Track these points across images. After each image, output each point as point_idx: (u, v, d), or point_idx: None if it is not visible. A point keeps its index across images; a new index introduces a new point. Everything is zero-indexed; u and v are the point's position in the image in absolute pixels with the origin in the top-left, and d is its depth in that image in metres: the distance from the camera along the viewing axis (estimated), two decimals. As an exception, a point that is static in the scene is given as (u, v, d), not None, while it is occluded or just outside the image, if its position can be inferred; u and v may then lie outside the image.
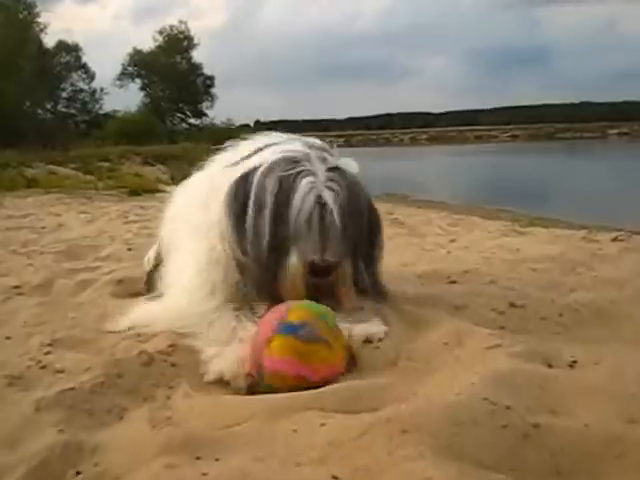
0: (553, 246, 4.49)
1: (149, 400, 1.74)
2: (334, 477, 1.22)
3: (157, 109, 40.66)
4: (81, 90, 38.37)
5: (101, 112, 38.54)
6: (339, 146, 2.51)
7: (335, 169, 2.22)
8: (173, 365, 1.90)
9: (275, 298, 2.09)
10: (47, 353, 2.07)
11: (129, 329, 2.27)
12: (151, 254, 3.04)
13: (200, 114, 43.69)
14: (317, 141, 2.44)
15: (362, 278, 2.31)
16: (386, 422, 1.31)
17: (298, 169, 2.16)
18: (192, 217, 2.45)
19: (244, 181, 2.24)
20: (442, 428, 1.28)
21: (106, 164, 20.05)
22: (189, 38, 43.95)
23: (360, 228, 2.27)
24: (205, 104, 44.04)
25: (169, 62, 42.64)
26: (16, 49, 28.12)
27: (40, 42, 33.00)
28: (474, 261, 3.76)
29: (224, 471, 1.27)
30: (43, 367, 1.93)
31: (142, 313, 2.38)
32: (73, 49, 38.14)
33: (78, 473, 1.36)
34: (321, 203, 2.12)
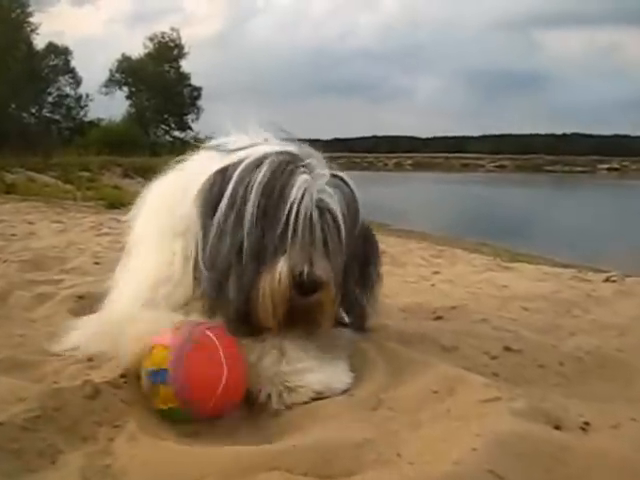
0: (543, 284, 4.34)
1: (89, 441, 1.47)
2: None
3: (141, 119, 40.17)
4: (67, 95, 38.13)
5: (85, 119, 38.26)
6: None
7: (336, 176, 1.89)
8: (122, 400, 1.62)
9: (245, 324, 1.78)
10: (-18, 377, 1.79)
11: (72, 350, 1.99)
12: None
13: (185, 127, 43.18)
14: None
15: (353, 305, 2.02)
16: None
17: (296, 164, 1.82)
18: (157, 220, 2.09)
19: (222, 174, 1.86)
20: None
21: (86, 174, 19.92)
22: (179, 47, 43.58)
23: (355, 244, 1.93)
24: (190, 116, 43.63)
25: (157, 70, 42.10)
26: (6, 49, 27.73)
27: (30, 43, 32.67)
28: (460, 296, 3.57)
29: None
30: (-26, 394, 1.65)
31: (82, 331, 2.07)
32: (62, 52, 37.90)
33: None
34: (321, 206, 1.78)
